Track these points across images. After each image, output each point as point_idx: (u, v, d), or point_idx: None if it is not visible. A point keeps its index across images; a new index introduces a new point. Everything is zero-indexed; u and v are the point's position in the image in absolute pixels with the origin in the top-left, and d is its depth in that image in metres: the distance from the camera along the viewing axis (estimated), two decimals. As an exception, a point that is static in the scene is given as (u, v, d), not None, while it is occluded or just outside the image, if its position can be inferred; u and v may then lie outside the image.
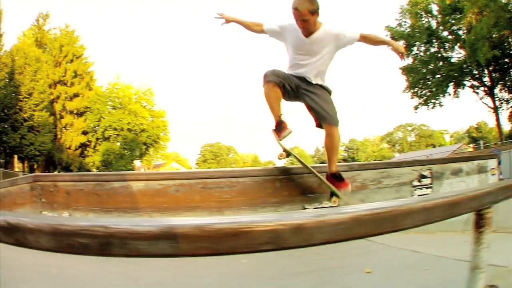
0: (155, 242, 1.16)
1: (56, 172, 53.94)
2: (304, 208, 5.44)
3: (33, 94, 52.38)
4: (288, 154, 5.70)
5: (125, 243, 1.15)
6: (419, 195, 5.97)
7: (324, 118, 5.19)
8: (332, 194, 5.35)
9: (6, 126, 49.42)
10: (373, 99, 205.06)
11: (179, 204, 5.30)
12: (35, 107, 52.53)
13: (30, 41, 59.09)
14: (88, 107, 66.31)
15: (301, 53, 5.23)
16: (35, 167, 56.88)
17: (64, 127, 65.37)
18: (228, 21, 5.62)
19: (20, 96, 51.27)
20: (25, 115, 51.49)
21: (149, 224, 1.20)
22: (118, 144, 67.66)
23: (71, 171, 59.26)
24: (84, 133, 66.71)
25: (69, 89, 65.05)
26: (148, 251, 1.16)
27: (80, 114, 66.88)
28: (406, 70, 52.79)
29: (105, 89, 70.09)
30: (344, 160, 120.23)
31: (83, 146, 66.68)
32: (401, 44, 44.11)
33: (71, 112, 66.30)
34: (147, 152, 71.96)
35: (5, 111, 48.55)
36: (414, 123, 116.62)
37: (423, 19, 50.92)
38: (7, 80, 48.64)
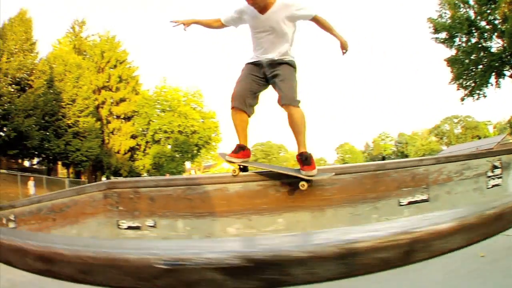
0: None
1: (115, 177, 52.25)
2: (399, 203, 5.16)
3: (76, 100, 50.60)
4: (241, 169, 5.15)
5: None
6: (493, 185, 5.73)
7: (280, 99, 4.81)
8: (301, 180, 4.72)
9: (48, 133, 47.02)
10: (420, 91, 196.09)
11: (280, 204, 4.92)
12: (79, 113, 50.73)
13: (68, 48, 57.23)
14: (136, 111, 64.13)
15: (260, 31, 4.90)
16: (81, 172, 54.98)
17: (112, 132, 63.25)
18: (187, 24, 5.40)
19: (62, 103, 49.23)
20: (69, 122, 49.62)
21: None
22: (169, 146, 65.26)
23: (120, 175, 58.01)
24: (133, 137, 64.46)
25: (114, 94, 63.04)
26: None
27: (127, 118, 64.72)
28: (451, 62, 49.53)
29: (152, 93, 67.69)
30: (395, 154, 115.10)
31: (132, 150, 64.45)
32: (443, 35, 46.29)
33: (118, 117, 64.18)
34: (198, 153, 69.18)
35: (46, 118, 46.27)
36: (460, 114, 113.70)
37: (461, 9, 47.75)
38: (46, 88, 46.02)
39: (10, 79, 41.10)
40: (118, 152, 62.17)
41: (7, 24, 43.78)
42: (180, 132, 63.89)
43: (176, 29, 5.46)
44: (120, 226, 5.21)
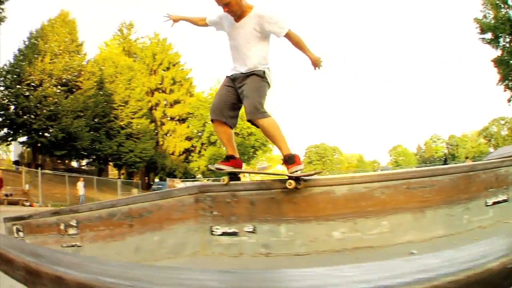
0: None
1: (175, 178, 50.94)
2: (486, 203, 4.92)
3: (129, 102, 49.50)
4: (231, 178, 5.01)
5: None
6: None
7: (246, 114, 4.65)
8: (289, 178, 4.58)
9: (99, 134, 45.87)
10: (470, 92, 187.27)
11: (384, 206, 4.60)
12: (132, 114, 49.70)
13: (117, 51, 56.28)
14: (191, 113, 62.42)
15: (233, 39, 4.76)
16: (133, 173, 54.18)
17: (166, 134, 62.12)
18: (176, 20, 5.42)
19: (114, 105, 48.12)
20: (121, 123, 48.48)
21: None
22: (225, 148, 61.09)
23: (175, 176, 56.65)
24: (188, 138, 62.96)
25: (168, 96, 61.92)
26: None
27: (182, 120, 63.24)
28: (497, 62, 46.49)
29: (206, 95, 65.10)
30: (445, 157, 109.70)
31: (187, 151, 62.92)
32: (489, 35, 44.12)
33: (172, 119, 62.86)
34: (255, 155, 67.03)
35: (97, 119, 45.19)
36: (506, 116, 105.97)
37: (502, 10, 45.10)
38: (96, 89, 44.85)
39: (56, 80, 39.93)
40: (172, 154, 60.84)
41: (47, 25, 42.88)
42: (236, 134, 60.20)
43: (168, 23, 5.45)
44: (213, 232, 4.79)
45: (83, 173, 42.37)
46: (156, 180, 54.49)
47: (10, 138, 40.65)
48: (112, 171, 59.69)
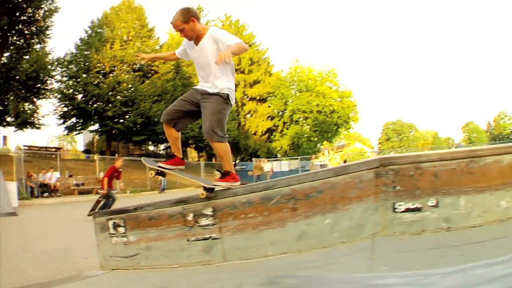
0: None
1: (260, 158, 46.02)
2: None
3: None
4: (158, 173, 5.26)
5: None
6: None
7: (203, 133, 4.80)
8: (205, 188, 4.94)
9: None
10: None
11: None
12: None
13: None
14: (271, 93, 58.50)
15: (196, 62, 4.87)
16: (214, 155, 49.57)
17: (247, 114, 58.09)
18: (147, 59, 5.68)
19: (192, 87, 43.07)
20: None
21: None
22: (307, 126, 58.55)
23: (258, 156, 51.79)
24: (270, 118, 58.65)
25: (247, 77, 57.47)
26: None
27: (262, 100, 58.86)
28: None
29: (285, 74, 61.13)
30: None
31: (269, 131, 58.51)
32: None
33: (252, 99, 58.28)
34: (337, 132, 62.33)
35: None
36: None
37: None
38: (174, 73, 40.99)
39: (129, 66, 36.51)
40: (255, 134, 56.78)
41: (109, 13, 39.79)
42: (318, 111, 57.08)
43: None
44: (396, 210, 4.26)
45: (160, 157, 39.03)
46: (237, 161, 51.11)
47: (80, 127, 37.56)
48: (191, 154, 56.45)
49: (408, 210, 4.21)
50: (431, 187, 4.20)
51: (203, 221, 4.87)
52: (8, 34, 30.45)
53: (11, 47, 30.87)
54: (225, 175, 4.91)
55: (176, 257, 5.14)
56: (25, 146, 27.29)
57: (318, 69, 60.34)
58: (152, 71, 37.66)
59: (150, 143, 42.45)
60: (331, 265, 4.00)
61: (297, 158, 44.33)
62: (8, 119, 32.81)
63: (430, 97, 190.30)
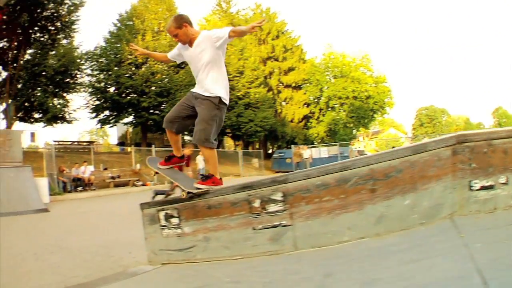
0: None
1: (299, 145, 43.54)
2: None
3: (244, 72, 43.39)
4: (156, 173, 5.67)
5: None
6: None
7: (193, 138, 4.85)
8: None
9: None
10: None
11: None
12: (249, 84, 43.57)
13: (223, 24, 48.94)
14: (306, 79, 55.75)
15: (191, 63, 4.82)
16: (249, 143, 48.62)
17: (284, 101, 55.30)
18: (141, 53, 5.47)
19: (229, 76, 40.23)
20: (238, 94, 42.17)
21: None
22: (344, 113, 55.98)
23: (295, 144, 49.23)
24: (306, 105, 55.99)
25: (281, 64, 54.77)
26: None
27: (297, 87, 56.00)
28: None
29: (319, 60, 58.36)
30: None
31: (306, 118, 55.79)
32: None
33: (288, 86, 55.41)
34: (373, 118, 60.28)
35: None
36: None
37: None
38: None
39: (162, 57, 34.09)
40: (291, 121, 54.05)
41: (138, 5, 37.74)
42: (354, 97, 54.50)
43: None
44: (472, 188, 3.97)
45: (196, 147, 36.80)
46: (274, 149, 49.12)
47: (113, 120, 35.33)
48: (228, 143, 54.52)
49: (482, 188, 3.93)
50: (502, 164, 3.92)
51: (272, 207, 4.43)
52: (30, 31, 28.48)
53: (35, 44, 28.82)
54: (207, 178, 4.98)
55: (240, 247, 4.61)
56: (54, 141, 25.62)
57: (351, 54, 57.80)
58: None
59: (186, 133, 40.10)
60: (419, 247, 3.57)
61: (335, 144, 41.66)
62: (36, 115, 30.84)
63: (461, 83, 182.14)
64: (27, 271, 5.88)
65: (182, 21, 4.64)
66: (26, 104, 29.11)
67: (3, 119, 29.08)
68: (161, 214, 5.12)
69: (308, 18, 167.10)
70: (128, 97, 32.66)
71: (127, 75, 32.83)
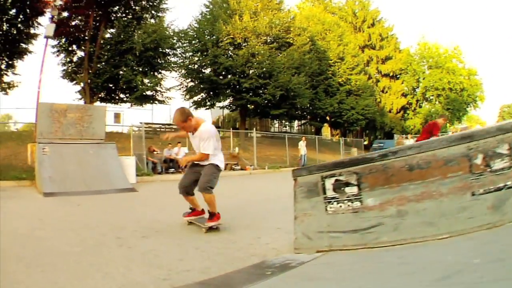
0: None
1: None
2: None
3: (345, 58, 37.58)
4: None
5: None
6: None
7: (199, 186, 5.81)
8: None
9: (317, 92, 33.89)
10: None
11: None
12: (350, 71, 37.65)
13: (318, 10, 44.74)
14: (403, 69, 49.28)
15: (193, 143, 6.00)
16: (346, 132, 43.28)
17: (382, 91, 48.75)
18: (170, 137, 6.75)
19: (330, 61, 36.29)
20: (340, 80, 36.55)
21: None
22: (440, 105, 49.26)
23: (392, 135, 44.95)
24: (403, 95, 49.57)
25: (379, 53, 48.73)
26: None
27: (395, 76, 49.57)
28: None
29: (413, 50, 51.64)
30: None
31: (403, 109, 49.40)
32: None
33: (385, 75, 49.04)
34: (466, 112, 52.47)
35: (313, 77, 33.29)
36: None
37: None
38: (310, 46, 32.91)
39: (263, 38, 28.86)
40: (390, 111, 47.67)
41: None
42: (450, 89, 47.74)
43: None
44: None
45: (294, 134, 32.32)
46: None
47: (209, 103, 30.22)
48: (325, 133, 48.71)
49: None
50: None
51: (497, 164, 3.05)
52: (109, 9, 24.55)
53: (117, 22, 24.60)
54: (212, 216, 5.90)
55: (450, 222, 3.20)
56: (141, 123, 21.70)
57: (443, 46, 50.90)
58: (287, 44, 30.21)
59: (286, 118, 35.16)
60: None
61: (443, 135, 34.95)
62: (121, 95, 26.31)
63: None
64: (107, 260, 4.21)
65: (186, 116, 5.63)
66: (110, 84, 24.76)
67: (80, 99, 25.08)
68: (329, 182, 3.70)
69: (399, 7, 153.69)
70: (227, 78, 27.84)
71: (225, 56, 27.91)
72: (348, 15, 48.66)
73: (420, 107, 49.76)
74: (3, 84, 22.85)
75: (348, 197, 3.63)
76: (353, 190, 3.60)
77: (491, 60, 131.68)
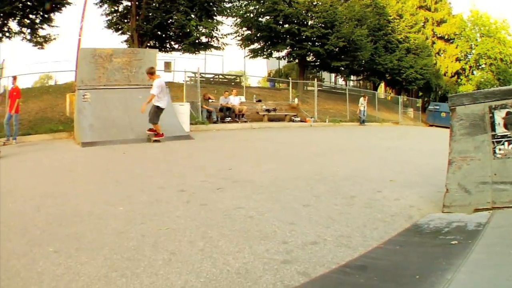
0: None
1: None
2: None
3: (403, 16, 33.63)
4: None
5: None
6: None
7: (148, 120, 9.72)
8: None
9: (377, 47, 29.78)
10: None
11: None
12: (409, 28, 33.59)
13: None
14: (457, 34, 43.72)
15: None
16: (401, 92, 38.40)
17: (437, 53, 43.44)
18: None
19: (389, 17, 32.15)
20: (399, 37, 32.42)
21: None
22: (491, 73, 43.24)
23: (446, 99, 36.82)
24: (458, 60, 43.77)
25: (434, 15, 43.17)
26: None
27: (449, 40, 43.89)
28: None
29: (466, 17, 45.26)
30: None
31: (457, 74, 43.91)
32: None
33: (440, 38, 43.64)
34: None
35: (373, 31, 29.01)
36: None
37: None
38: (370, 0, 29.51)
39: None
40: (445, 75, 42.58)
41: None
42: (501, 59, 41.77)
43: None
44: None
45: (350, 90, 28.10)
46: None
47: (266, 52, 26.42)
48: (379, 91, 44.44)
49: None
50: None
51: None
52: None
53: None
54: (158, 135, 9.57)
55: None
56: (195, 71, 18.20)
57: (493, 16, 44.69)
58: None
59: (347, 71, 30.59)
60: None
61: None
62: (172, 43, 23.05)
63: None
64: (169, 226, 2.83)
65: (150, 71, 9.91)
66: (160, 32, 21.79)
67: (128, 47, 22.09)
68: (499, 115, 2.62)
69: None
70: (286, 26, 23.48)
71: (285, 3, 23.67)
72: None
73: (473, 74, 44.64)
74: (38, 37, 20.21)
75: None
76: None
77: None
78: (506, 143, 2.68)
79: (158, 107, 9.54)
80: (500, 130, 2.70)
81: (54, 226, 2.91)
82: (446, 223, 2.67)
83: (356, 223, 2.92)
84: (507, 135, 2.66)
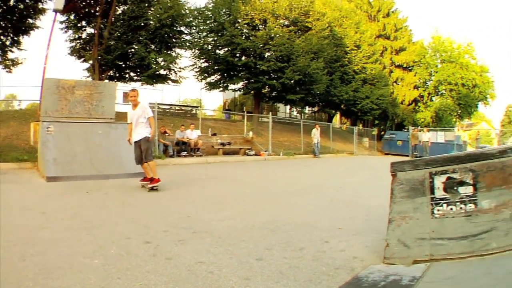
0: None
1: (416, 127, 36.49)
2: None
3: (361, 46, 35.62)
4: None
5: None
6: None
7: (144, 158, 8.23)
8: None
9: (332, 79, 31.74)
10: None
11: None
12: (366, 59, 35.73)
13: None
14: (416, 61, 46.95)
15: (133, 116, 8.26)
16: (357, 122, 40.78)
17: (395, 82, 46.51)
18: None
19: (346, 48, 34.33)
20: (355, 68, 34.58)
21: None
22: (451, 99, 46.92)
23: (403, 127, 43.26)
24: (415, 87, 47.25)
25: (393, 43, 46.29)
26: None
27: (408, 68, 47.30)
28: None
29: (427, 43, 48.91)
30: None
31: (415, 101, 47.22)
32: None
33: (399, 66, 46.69)
34: (476, 109, 49.96)
35: (329, 63, 31.12)
36: None
37: None
38: (328, 31, 30.96)
39: (282, 20, 26.84)
40: (402, 103, 45.49)
41: None
42: (462, 85, 45.27)
43: None
44: None
45: (305, 122, 29.87)
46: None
47: (224, 84, 27.79)
48: (335, 121, 47.66)
49: None
50: None
51: None
52: None
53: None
54: (153, 179, 8.07)
55: None
56: (151, 103, 19.80)
57: (456, 40, 48.16)
58: (305, 28, 27.93)
59: (301, 104, 32.70)
60: None
61: (451, 130, 35.90)
62: (132, 74, 24.27)
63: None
64: (141, 280, 3.19)
65: (138, 94, 8.26)
66: (120, 62, 22.83)
67: (88, 77, 23.10)
68: (438, 180, 3.11)
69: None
70: (244, 59, 25.59)
71: (242, 37, 25.69)
72: (363, 3, 46.61)
73: (432, 100, 47.71)
74: (7, 61, 20.91)
75: (461, 198, 3.16)
76: (468, 190, 3.13)
77: (499, 59, 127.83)
78: (444, 205, 3.12)
79: (149, 138, 8.12)
80: (440, 193, 3.13)
81: (41, 278, 3.16)
82: (383, 276, 3.07)
83: (303, 277, 3.30)
84: (446, 197, 3.11)
